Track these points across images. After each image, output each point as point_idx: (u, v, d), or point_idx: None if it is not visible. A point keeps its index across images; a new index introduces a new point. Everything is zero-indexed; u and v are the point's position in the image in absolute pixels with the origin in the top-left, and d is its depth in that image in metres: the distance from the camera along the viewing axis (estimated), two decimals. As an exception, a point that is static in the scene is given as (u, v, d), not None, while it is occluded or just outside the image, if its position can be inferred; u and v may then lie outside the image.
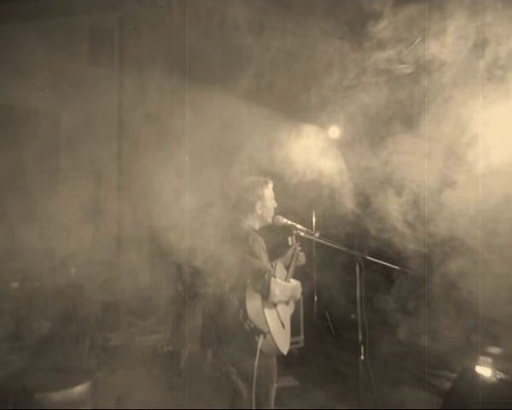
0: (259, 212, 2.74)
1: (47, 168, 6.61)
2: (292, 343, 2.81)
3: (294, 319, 2.91)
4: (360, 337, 2.70)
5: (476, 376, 3.28)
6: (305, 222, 3.09)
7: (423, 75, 3.90)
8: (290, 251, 2.94)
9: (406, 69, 4.37)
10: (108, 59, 7.81)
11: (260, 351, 2.40)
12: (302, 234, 2.82)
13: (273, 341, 2.44)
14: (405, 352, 4.80)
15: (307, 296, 5.73)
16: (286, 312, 2.77)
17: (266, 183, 2.81)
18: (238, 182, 2.89)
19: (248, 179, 2.85)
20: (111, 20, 7.82)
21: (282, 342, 2.56)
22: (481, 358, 3.37)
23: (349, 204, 4.21)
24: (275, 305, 2.60)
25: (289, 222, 2.82)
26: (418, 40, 3.91)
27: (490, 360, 3.34)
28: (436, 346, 4.39)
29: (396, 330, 4.53)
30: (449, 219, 3.35)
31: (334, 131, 5.83)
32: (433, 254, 3.86)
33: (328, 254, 5.41)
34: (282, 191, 3.00)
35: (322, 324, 6.12)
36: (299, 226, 2.83)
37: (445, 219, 3.40)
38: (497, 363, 3.30)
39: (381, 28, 3.63)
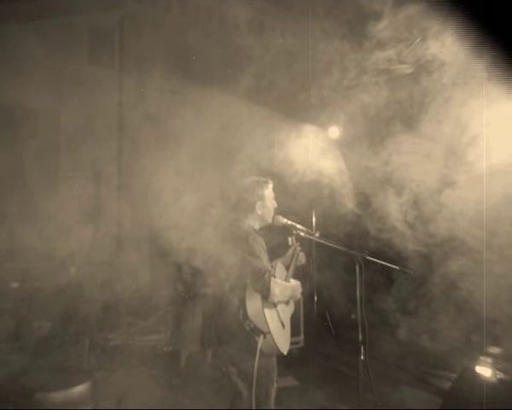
0: (259, 212, 2.74)
1: (47, 168, 6.61)
2: (292, 343, 2.81)
3: (294, 319, 2.90)
4: (360, 337, 2.69)
5: (476, 376, 3.28)
6: (305, 222, 3.09)
7: (423, 75, 3.89)
8: (290, 251, 2.94)
9: (406, 69, 4.36)
10: (108, 59, 7.80)
11: (260, 351, 2.40)
12: (302, 234, 2.82)
13: (273, 341, 2.43)
14: (405, 352, 4.80)
15: (307, 296, 5.72)
16: (286, 312, 2.77)
17: (266, 183, 2.81)
18: (238, 182, 2.89)
19: (248, 179, 2.85)
20: (111, 20, 7.81)
21: (282, 342, 2.55)
22: (481, 358, 3.37)
23: (349, 204, 4.21)
24: (275, 305, 2.59)
25: (289, 222, 2.82)
26: (418, 40, 3.90)
27: (490, 360, 3.34)
28: (436, 346, 4.39)
29: (396, 330, 4.54)
30: (449, 219, 3.35)
31: (334, 131, 5.83)
32: (433, 254, 3.86)
33: (328, 254, 5.41)
34: (282, 191, 3.00)
35: (322, 324, 6.11)
36: (299, 226, 2.83)
37: (445, 219, 3.40)
38: (497, 363, 3.30)
39: (381, 28, 3.63)
